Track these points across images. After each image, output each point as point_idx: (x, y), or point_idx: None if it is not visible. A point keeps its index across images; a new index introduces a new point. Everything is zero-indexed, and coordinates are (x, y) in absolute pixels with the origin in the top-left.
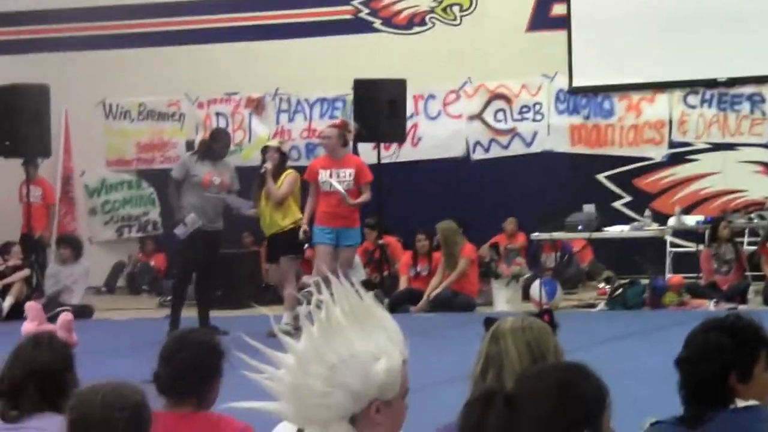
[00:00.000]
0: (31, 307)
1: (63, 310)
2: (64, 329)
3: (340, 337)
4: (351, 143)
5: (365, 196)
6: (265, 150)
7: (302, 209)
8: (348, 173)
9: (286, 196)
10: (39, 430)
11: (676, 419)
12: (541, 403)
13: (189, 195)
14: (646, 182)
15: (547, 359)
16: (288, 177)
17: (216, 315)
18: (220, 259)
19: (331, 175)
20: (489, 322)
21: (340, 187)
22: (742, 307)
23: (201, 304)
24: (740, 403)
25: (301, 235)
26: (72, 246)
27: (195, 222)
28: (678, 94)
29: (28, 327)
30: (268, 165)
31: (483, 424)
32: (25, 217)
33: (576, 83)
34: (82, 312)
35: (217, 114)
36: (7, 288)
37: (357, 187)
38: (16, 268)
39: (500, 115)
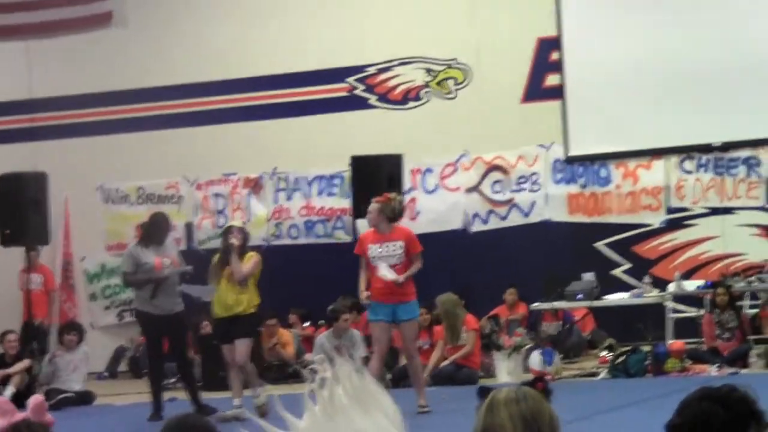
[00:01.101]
0: (1, 404)
1: (63, 398)
2: (36, 412)
3: (342, 416)
4: (400, 216)
5: (415, 267)
6: (228, 230)
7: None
8: (398, 245)
9: (251, 275)
10: None
11: None
12: None
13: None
14: (645, 248)
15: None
16: (253, 258)
17: (220, 396)
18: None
19: (380, 249)
20: (483, 391)
21: (388, 274)
22: (743, 372)
23: (186, 386)
24: None
25: (364, 299)
26: (78, 332)
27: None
28: (674, 159)
29: (0, 423)
30: (235, 242)
31: None
32: (26, 305)
33: (572, 152)
34: (83, 398)
35: (216, 195)
36: (7, 377)
37: (408, 258)
38: (16, 357)
39: (498, 187)
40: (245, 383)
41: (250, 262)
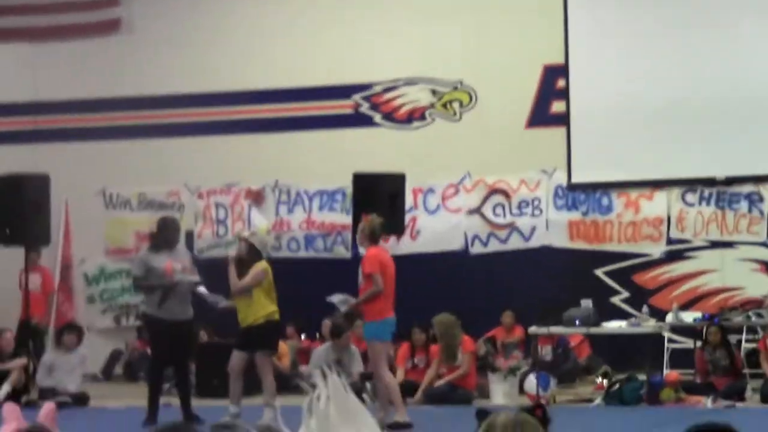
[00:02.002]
0: (8, 410)
1: (59, 401)
2: (48, 419)
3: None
4: (379, 237)
5: (366, 292)
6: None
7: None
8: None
9: (246, 287)
10: None
11: None
12: None
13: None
14: (645, 278)
15: None
16: (254, 269)
17: (212, 404)
18: (218, 348)
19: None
20: (481, 414)
21: (335, 300)
22: (739, 405)
23: (181, 394)
24: None
25: None
26: (78, 333)
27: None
28: (676, 191)
29: (6, 430)
30: (232, 253)
31: None
32: (24, 305)
33: (575, 179)
34: (78, 400)
35: (217, 204)
36: (4, 376)
37: (366, 279)
38: (12, 356)
39: (499, 210)
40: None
41: (249, 275)
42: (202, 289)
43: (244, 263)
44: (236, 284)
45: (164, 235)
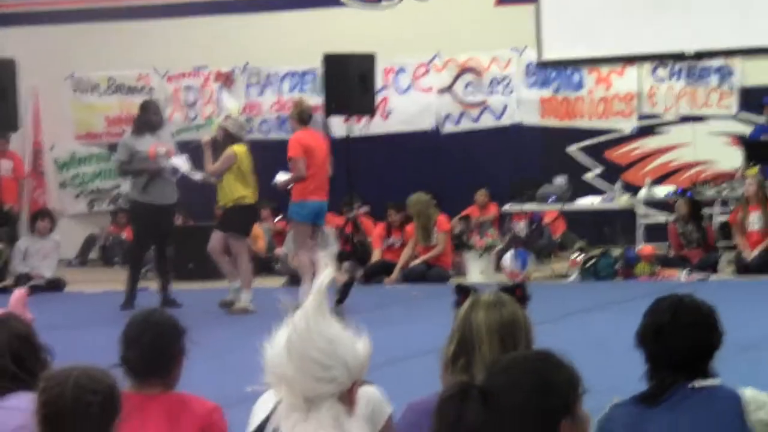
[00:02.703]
0: None
1: (34, 284)
2: (18, 305)
3: (327, 317)
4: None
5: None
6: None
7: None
8: None
9: (217, 172)
10: (15, 410)
11: (635, 398)
12: (516, 394)
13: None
14: (617, 154)
15: (518, 349)
16: (225, 153)
17: (187, 287)
18: (193, 232)
19: None
20: (461, 290)
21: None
22: (713, 278)
23: (160, 277)
24: (699, 383)
25: None
26: (51, 218)
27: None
28: (647, 66)
29: None
30: (206, 138)
31: (460, 418)
32: None
33: (545, 56)
34: (54, 285)
35: (186, 88)
36: None
37: None
38: None
39: (470, 89)
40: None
41: (221, 159)
42: (175, 160)
43: (218, 148)
44: (209, 169)
45: (146, 119)
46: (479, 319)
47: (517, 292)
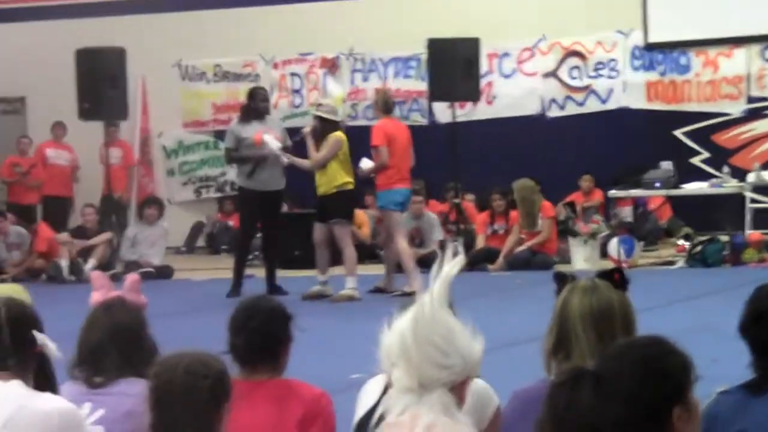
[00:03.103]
0: (95, 276)
1: (144, 272)
2: (132, 290)
3: (446, 308)
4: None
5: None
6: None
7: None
8: None
9: (325, 160)
10: (123, 395)
11: (741, 387)
12: (630, 380)
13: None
14: (724, 138)
15: (616, 338)
16: (329, 141)
17: (294, 275)
18: (300, 219)
19: None
20: (559, 276)
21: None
22: None
23: (267, 264)
24: None
25: None
26: (159, 206)
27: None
28: (755, 48)
29: (95, 296)
30: (307, 129)
31: (572, 405)
32: (106, 179)
33: (652, 39)
34: (162, 272)
35: (292, 74)
36: (90, 250)
37: None
38: (96, 231)
39: (575, 73)
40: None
41: (324, 146)
42: (267, 138)
43: (319, 135)
44: (315, 157)
45: (254, 106)
46: (574, 308)
47: (615, 276)
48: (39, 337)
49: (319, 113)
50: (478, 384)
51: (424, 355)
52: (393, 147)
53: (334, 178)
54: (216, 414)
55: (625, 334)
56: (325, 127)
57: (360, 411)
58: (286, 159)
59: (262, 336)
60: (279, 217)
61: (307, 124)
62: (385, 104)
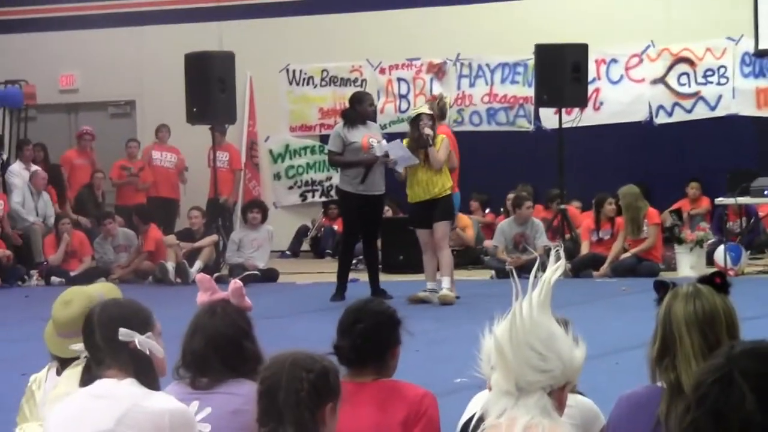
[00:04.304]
0: (202, 279)
1: (249, 275)
2: (236, 296)
3: (549, 313)
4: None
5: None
6: (417, 118)
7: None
8: None
9: (447, 160)
10: (229, 395)
11: None
12: None
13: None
14: None
15: (722, 341)
16: (444, 142)
17: (398, 279)
18: (403, 223)
19: None
20: (659, 285)
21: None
22: None
23: (369, 268)
24: None
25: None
26: (262, 210)
27: (379, 147)
28: None
29: (201, 298)
30: (429, 131)
31: (732, 401)
32: (212, 182)
33: (762, 46)
34: (267, 275)
35: (399, 79)
36: (196, 252)
37: None
38: (203, 233)
39: (684, 79)
40: (439, 267)
41: (442, 147)
42: (374, 142)
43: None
44: (438, 158)
45: (362, 110)
46: (677, 313)
47: (717, 280)
48: (128, 334)
49: (432, 113)
50: (585, 402)
51: (521, 358)
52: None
53: (448, 179)
54: (319, 409)
55: (730, 339)
56: (433, 128)
57: (464, 417)
58: (400, 169)
59: (368, 338)
60: (381, 220)
61: (424, 126)
62: (441, 111)
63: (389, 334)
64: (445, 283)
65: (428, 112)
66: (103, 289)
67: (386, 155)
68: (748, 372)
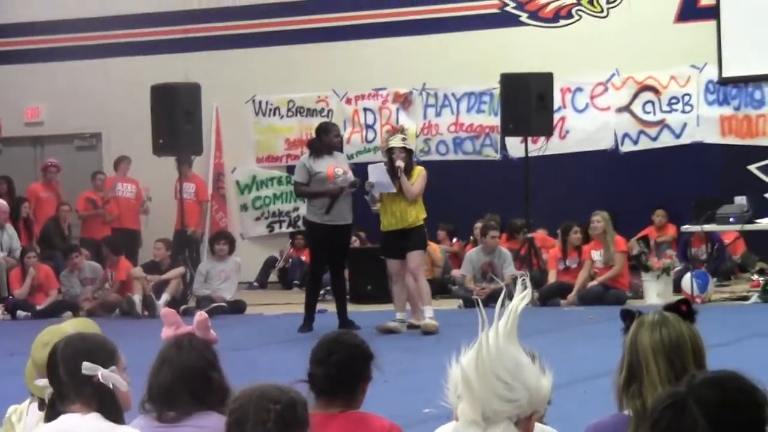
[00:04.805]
0: (166, 313)
1: (217, 306)
2: (201, 328)
3: (516, 343)
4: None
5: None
6: (390, 151)
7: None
8: None
9: (421, 192)
10: (195, 428)
11: None
12: (730, 407)
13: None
14: None
15: (688, 369)
16: (420, 174)
17: (366, 309)
18: (371, 253)
19: None
20: (626, 314)
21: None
22: None
23: (337, 299)
24: None
25: None
26: (229, 241)
27: (344, 179)
28: None
29: (166, 333)
30: (401, 163)
31: (683, 428)
32: (179, 214)
33: (726, 73)
34: (235, 307)
35: (365, 109)
36: (163, 285)
37: None
38: (169, 265)
39: (649, 107)
40: (409, 298)
41: (418, 179)
42: (339, 172)
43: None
44: (412, 192)
45: (327, 140)
46: (644, 341)
47: (683, 307)
48: (91, 368)
49: (406, 146)
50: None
51: (487, 388)
52: None
53: (422, 210)
54: None
55: (696, 366)
56: (408, 160)
57: None
58: (376, 193)
59: (342, 370)
60: (348, 250)
61: (396, 158)
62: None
63: (362, 368)
64: (428, 312)
65: (401, 144)
66: (79, 326)
67: (352, 185)
68: (705, 400)
